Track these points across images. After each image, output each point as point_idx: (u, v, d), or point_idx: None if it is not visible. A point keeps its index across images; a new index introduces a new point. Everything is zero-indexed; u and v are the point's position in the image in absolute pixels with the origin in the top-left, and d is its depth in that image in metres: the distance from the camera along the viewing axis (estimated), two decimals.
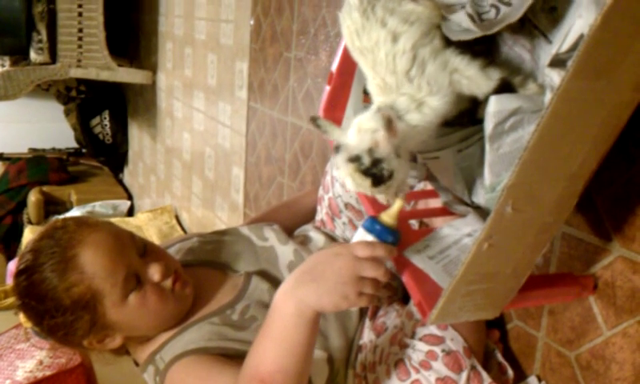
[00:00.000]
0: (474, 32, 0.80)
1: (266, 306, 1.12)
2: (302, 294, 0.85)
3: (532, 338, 1.13)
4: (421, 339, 1.06)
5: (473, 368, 1.03)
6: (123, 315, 1.06)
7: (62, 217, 3.79)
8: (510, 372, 1.11)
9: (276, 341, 0.86)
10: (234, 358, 1.02)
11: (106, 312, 1.05)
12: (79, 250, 1.03)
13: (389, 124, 0.78)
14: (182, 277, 1.13)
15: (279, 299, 0.88)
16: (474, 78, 0.81)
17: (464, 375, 1.02)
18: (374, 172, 0.79)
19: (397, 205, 0.87)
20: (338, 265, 0.84)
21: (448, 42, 0.84)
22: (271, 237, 1.32)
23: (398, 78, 0.82)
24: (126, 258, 1.06)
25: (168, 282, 1.10)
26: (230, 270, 1.26)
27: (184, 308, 1.13)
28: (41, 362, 1.85)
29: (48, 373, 1.81)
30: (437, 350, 1.03)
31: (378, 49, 0.82)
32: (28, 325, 1.15)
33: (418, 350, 1.05)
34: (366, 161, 0.79)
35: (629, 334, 0.95)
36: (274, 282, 1.20)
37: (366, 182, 0.80)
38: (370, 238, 0.87)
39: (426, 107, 0.82)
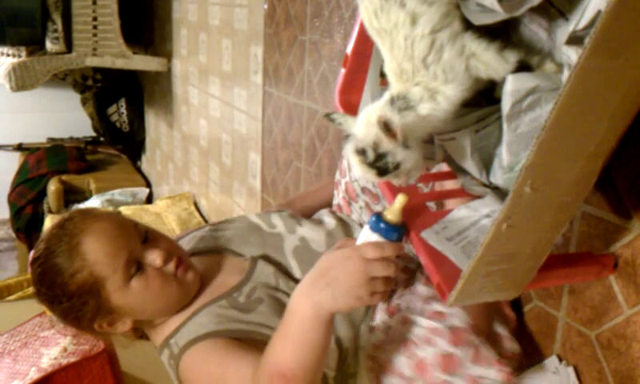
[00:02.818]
0: (497, 14, 0.79)
1: (271, 287, 1.18)
2: (318, 299, 0.90)
3: (552, 318, 1.12)
4: (426, 316, 1.07)
5: (478, 345, 1.04)
6: (127, 299, 1.11)
7: (80, 206, 3.82)
8: (516, 346, 1.12)
9: (295, 340, 0.92)
10: (245, 340, 1.07)
11: (109, 296, 1.10)
12: (82, 238, 1.09)
13: (386, 129, 0.78)
14: (185, 262, 1.17)
15: (296, 302, 0.93)
16: (491, 63, 0.80)
17: (469, 352, 1.02)
18: (379, 165, 0.82)
19: (399, 201, 0.88)
20: (350, 269, 0.89)
21: (467, 22, 0.82)
22: (279, 224, 1.35)
23: (415, 63, 0.81)
24: (127, 245, 1.11)
25: (170, 267, 1.14)
26: (238, 256, 1.30)
27: (188, 292, 1.17)
28: (65, 349, 1.88)
29: (72, 359, 1.83)
30: (441, 326, 1.04)
31: (396, 31, 0.81)
32: None
33: (423, 326, 1.06)
34: (371, 155, 0.81)
35: None
36: (278, 266, 1.25)
37: (371, 173, 0.83)
38: (375, 236, 0.90)
39: (439, 96, 0.82)
